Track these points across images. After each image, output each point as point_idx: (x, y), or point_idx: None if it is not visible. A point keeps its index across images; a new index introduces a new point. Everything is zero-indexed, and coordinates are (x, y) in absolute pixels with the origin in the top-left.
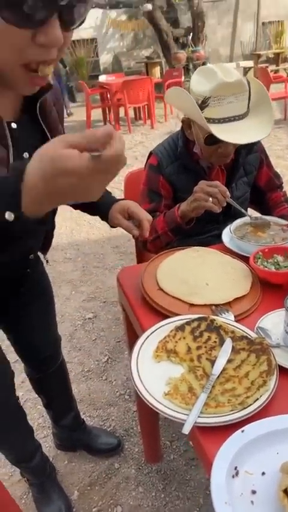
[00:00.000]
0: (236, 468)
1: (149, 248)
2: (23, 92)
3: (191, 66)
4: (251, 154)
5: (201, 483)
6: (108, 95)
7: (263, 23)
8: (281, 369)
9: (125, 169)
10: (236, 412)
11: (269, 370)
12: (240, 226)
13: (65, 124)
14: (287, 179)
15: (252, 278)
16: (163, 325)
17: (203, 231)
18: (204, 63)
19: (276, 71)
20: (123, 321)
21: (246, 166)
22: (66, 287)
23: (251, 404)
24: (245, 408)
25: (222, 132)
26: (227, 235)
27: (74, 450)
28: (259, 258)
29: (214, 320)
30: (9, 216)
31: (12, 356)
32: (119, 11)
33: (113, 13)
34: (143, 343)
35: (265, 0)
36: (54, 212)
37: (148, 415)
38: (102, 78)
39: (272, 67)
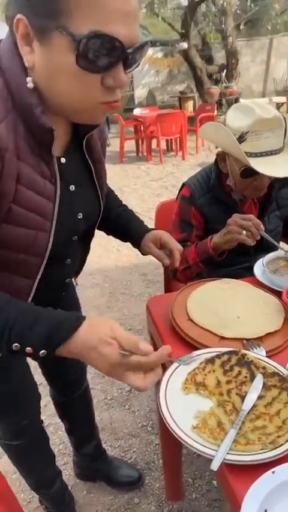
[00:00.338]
0: (266, 511)
1: (178, 278)
2: (96, 122)
3: (223, 101)
4: (284, 189)
5: None
6: (142, 127)
7: None
8: None
9: (155, 198)
10: (266, 452)
11: None
12: (272, 259)
13: None
14: None
15: (284, 313)
16: (192, 357)
17: (234, 262)
18: (237, 99)
19: None
20: None
21: (279, 200)
22: (92, 312)
23: (282, 444)
24: (276, 448)
25: (259, 165)
26: (260, 268)
27: (93, 480)
28: None
29: (245, 354)
30: (42, 353)
31: (37, 378)
32: (156, 48)
33: (150, 50)
34: (171, 374)
35: None
36: (92, 236)
37: (171, 450)
38: (137, 111)
39: None
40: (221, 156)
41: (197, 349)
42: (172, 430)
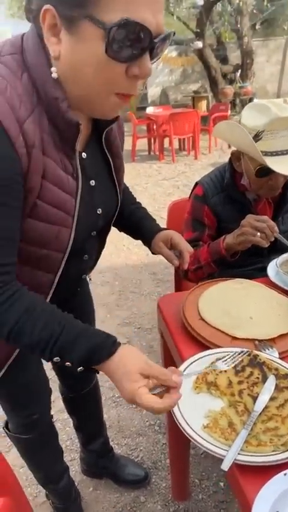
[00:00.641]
0: None
1: (190, 277)
2: (108, 116)
3: (237, 101)
4: None
5: None
6: (154, 126)
7: None
8: None
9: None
10: (278, 453)
11: None
12: (286, 260)
13: None
14: None
15: None
16: (204, 356)
17: (246, 263)
18: (251, 99)
19: None
20: (160, 347)
21: None
22: (101, 310)
23: None
24: None
25: (275, 164)
26: (273, 269)
27: (100, 477)
28: None
29: (257, 355)
30: (80, 369)
31: (47, 373)
32: (170, 47)
33: None
34: (182, 373)
35: None
36: (108, 231)
37: (179, 449)
38: (150, 110)
39: None
40: (236, 155)
41: (208, 348)
42: (183, 429)
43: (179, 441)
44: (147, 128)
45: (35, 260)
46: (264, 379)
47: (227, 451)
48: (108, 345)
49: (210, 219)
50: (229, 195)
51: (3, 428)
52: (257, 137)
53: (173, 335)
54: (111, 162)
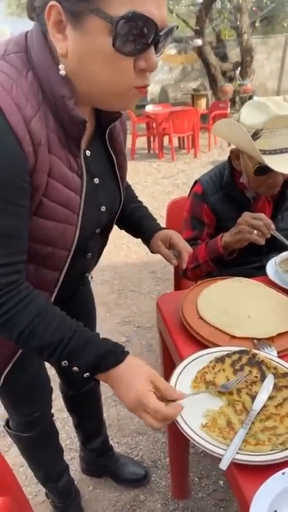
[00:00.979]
0: None
1: (188, 276)
2: (126, 108)
3: (237, 99)
4: None
5: None
6: (154, 124)
7: None
8: None
9: (165, 196)
10: (276, 452)
11: None
12: (285, 259)
13: None
14: None
15: None
16: (202, 355)
17: (245, 262)
18: (250, 97)
19: None
20: (159, 346)
21: None
22: (101, 309)
23: None
24: (286, 449)
25: (273, 163)
26: (272, 267)
27: (99, 476)
28: None
29: (256, 354)
30: (86, 375)
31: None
32: (170, 45)
33: None
34: (181, 372)
35: None
36: (111, 229)
37: (179, 448)
38: (149, 108)
39: None
40: (235, 154)
41: (206, 347)
42: (181, 428)
43: (178, 440)
44: (146, 126)
45: (41, 258)
46: (263, 378)
47: (226, 450)
48: (117, 353)
49: (210, 217)
50: (228, 193)
51: (4, 426)
52: (255, 135)
53: (172, 334)
54: (115, 159)
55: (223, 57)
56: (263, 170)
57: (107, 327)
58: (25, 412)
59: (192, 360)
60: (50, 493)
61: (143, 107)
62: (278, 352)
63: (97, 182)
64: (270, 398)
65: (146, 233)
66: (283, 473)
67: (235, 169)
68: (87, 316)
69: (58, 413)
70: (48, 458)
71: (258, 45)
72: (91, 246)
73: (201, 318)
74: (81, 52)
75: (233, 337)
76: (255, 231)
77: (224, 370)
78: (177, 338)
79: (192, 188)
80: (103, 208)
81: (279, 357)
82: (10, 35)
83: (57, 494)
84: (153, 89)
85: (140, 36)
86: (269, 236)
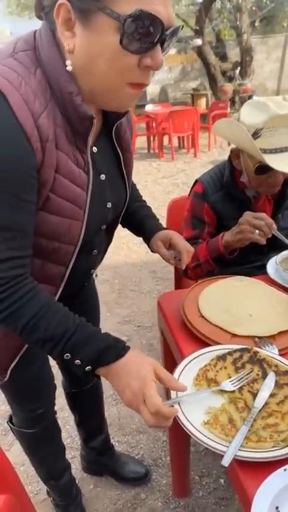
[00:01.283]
0: (277, 508)
1: (189, 275)
2: (123, 108)
3: (237, 98)
4: None
5: None
6: (154, 124)
7: None
8: None
9: (165, 196)
10: (278, 449)
11: None
12: (286, 258)
13: None
14: None
15: None
16: (204, 353)
17: (245, 261)
18: (250, 97)
19: None
20: (160, 345)
21: None
22: (102, 308)
23: None
24: None
25: (274, 162)
26: (272, 266)
27: (100, 475)
28: None
29: (257, 352)
30: (88, 368)
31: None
32: None
33: None
34: (183, 370)
35: None
36: (116, 226)
37: (179, 447)
38: (149, 107)
39: None
40: (235, 153)
41: (208, 345)
42: (183, 425)
43: (179, 438)
44: (146, 126)
45: (47, 253)
46: (264, 375)
47: (227, 447)
48: (118, 348)
49: (210, 216)
50: (229, 192)
51: (7, 422)
52: (256, 135)
53: (173, 332)
54: (121, 156)
55: (223, 57)
56: (264, 169)
57: (107, 326)
58: (29, 408)
59: (194, 358)
60: (51, 491)
61: (143, 106)
62: (279, 350)
63: (103, 179)
64: (272, 395)
65: (147, 232)
66: (285, 470)
67: (235, 169)
68: (92, 313)
69: (59, 412)
70: (51, 456)
71: (258, 45)
72: (97, 242)
73: (203, 317)
74: (88, 49)
75: (234, 335)
76: (257, 231)
77: (225, 367)
78: (179, 336)
79: (192, 187)
80: (109, 205)
81: (280, 354)
82: (10, 35)
83: (58, 492)
84: (153, 89)
85: (146, 34)
86: (270, 236)
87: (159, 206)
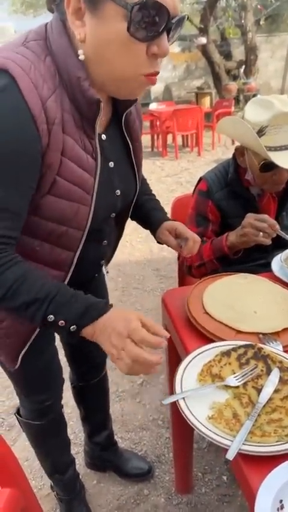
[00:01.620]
0: (281, 502)
1: (193, 273)
2: (134, 96)
3: (241, 97)
4: None
5: None
6: (158, 122)
7: None
8: None
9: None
10: (282, 444)
11: None
12: None
13: None
14: None
15: None
16: (208, 349)
17: (249, 259)
18: (255, 95)
19: None
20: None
21: None
22: None
23: None
24: None
25: (279, 159)
26: (277, 264)
27: (103, 471)
28: None
29: (262, 348)
30: (72, 328)
31: None
32: (174, 43)
33: None
34: (187, 365)
35: None
36: (127, 217)
37: (182, 443)
38: (153, 106)
39: None
40: (240, 151)
41: (212, 342)
42: (188, 420)
43: (182, 435)
44: (150, 124)
45: (55, 237)
46: (269, 371)
47: (232, 441)
48: (101, 304)
49: (214, 214)
50: (233, 190)
51: (15, 414)
52: (260, 132)
53: (178, 329)
54: (131, 146)
55: (227, 56)
56: (269, 167)
57: None
58: (37, 399)
59: (198, 354)
60: (55, 486)
61: (147, 105)
62: (283, 347)
63: (112, 166)
64: (276, 391)
65: (154, 224)
66: None
67: (240, 166)
68: None
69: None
70: (57, 449)
71: (263, 44)
72: (107, 232)
73: (207, 313)
74: (98, 37)
75: (239, 331)
76: (261, 233)
77: (230, 363)
78: (183, 333)
79: (197, 185)
80: (118, 193)
81: (284, 351)
82: (14, 33)
83: (62, 486)
84: (157, 87)
85: (153, 22)
86: (274, 235)
87: (163, 204)
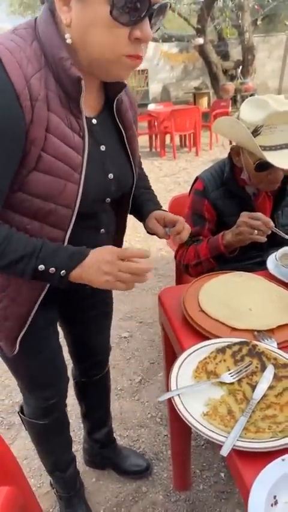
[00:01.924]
0: (275, 497)
1: (190, 272)
2: (120, 78)
3: (238, 97)
4: None
5: None
6: (156, 123)
7: None
8: None
9: (166, 194)
10: (276, 440)
11: None
12: (286, 253)
13: None
14: None
15: None
16: (204, 346)
17: (245, 257)
18: (252, 95)
19: None
20: (161, 340)
21: None
22: None
23: None
24: (286, 436)
25: (274, 158)
26: (272, 262)
27: (102, 468)
28: None
29: (256, 345)
30: (63, 273)
31: None
32: (171, 44)
33: (165, 46)
34: (183, 362)
35: None
36: (126, 209)
37: (180, 441)
38: (151, 106)
39: None
40: (235, 150)
41: (208, 339)
42: (183, 416)
43: (180, 432)
44: (148, 125)
45: (44, 215)
46: (263, 368)
47: (226, 437)
48: (83, 249)
49: (211, 213)
50: (229, 189)
51: (18, 413)
52: (256, 132)
53: (174, 327)
54: (124, 133)
55: (225, 56)
56: (264, 166)
57: None
58: (42, 396)
59: (194, 351)
60: (55, 483)
61: (145, 105)
62: (278, 344)
63: (104, 150)
64: (271, 388)
65: (144, 214)
66: (283, 460)
67: (236, 166)
68: (105, 302)
69: None
70: (59, 448)
71: (260, 44)
72: (103, 219)
73: (203, 311)
74: (83, 21)
75: (234, 329)
76: (256, 231)
77: (225, 360)
78: (179, 331)
79: (193, 185)
80: (111, 176)
81: (279, 348)
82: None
83: (62, 484)
84: (155, 88)
85: (134, 7)
86: (269, 233)
87: (161, 204)
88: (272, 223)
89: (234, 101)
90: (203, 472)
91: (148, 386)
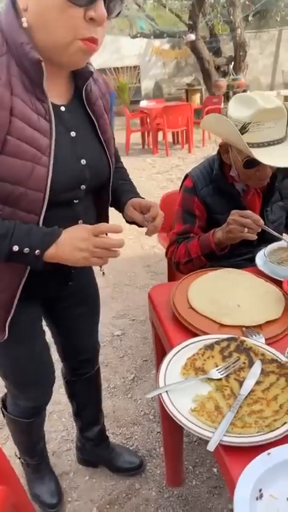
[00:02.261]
0: (260, 491)
1: (181, 270)
2: (76, 64)
3: (231, 93)
4: (287, 179)
5: None
6: (148, 120)
7: None
8: None
9: (160, 191)
10: (262, 434)
11: None
12: (274, 250)
13: None
14: None
15: (285, 302)
16: (192, 343)
17: (235, 254)
18: (244, 91)
19: None
20: (152, 337)
21: (282, 190)
22: None
23: (278, 428)
24: (272, 431)
25: (262, 156)
26: (261, 258)
27: (95, 466)
28: None
29: (244, 341)
30: (37, 252)
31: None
32: (163, 40)
33: (156, 42)
34: (171, 359)
35: None
36: (105, 201)
37: (173, 436)
38: (143, 103)
39: None
40: (224, 148)
41: (197, 336)
42: (170, 413)
43: (172, 429)
44: (140, 122)
45: (15, 198)
46: (251, 364)
47: (213, 433)
48: (55, 229)
49: (200, 210)
50: (218, 186)
51: (1, 408)
52: (243, 129)
53: (163, 324)
54: (95, 121)
55: (216, 52)
56: (252, 163)
57: (101, 320)
58: (31, 396)
59: (182, 348)
60: (21, 453)
61: (137, 102)
62: (265, 339)
63: (74, 135)
64: (258, 383)
65: (122, 204)
66: (268, 454)
67: (225, 163)
68: (90, 301)
69: (55, 405)
70: (34, 442)
71: (252, 40)
72: (80, 209)
73: (192, 308)
74: (38, 3)
75: (222, 325)
76: (246, 229)
77: (213, 356)
78: (169, 328)
79: (183, 182)
80: (83, 162)
81: (267, 344)
82: None
83: (31, 454)
84: (147, 84)
85: None
86: (259, 230)
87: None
88: (262, 221)
89: (226, 97)
90: (196, 468)
91: (141, 383)
